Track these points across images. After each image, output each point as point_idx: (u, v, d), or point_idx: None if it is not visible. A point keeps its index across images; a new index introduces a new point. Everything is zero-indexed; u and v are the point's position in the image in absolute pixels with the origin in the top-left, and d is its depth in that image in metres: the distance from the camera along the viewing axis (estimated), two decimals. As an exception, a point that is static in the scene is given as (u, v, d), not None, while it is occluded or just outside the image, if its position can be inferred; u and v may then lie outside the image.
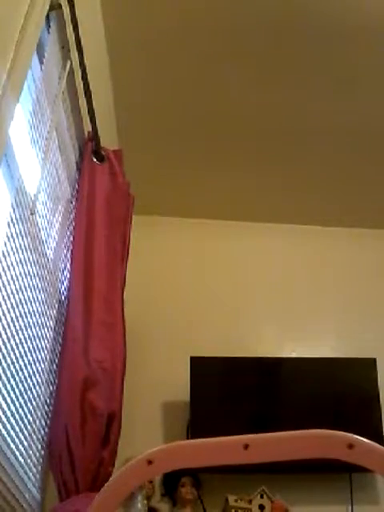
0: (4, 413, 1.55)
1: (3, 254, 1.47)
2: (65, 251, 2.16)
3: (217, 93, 2.58)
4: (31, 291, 1.73)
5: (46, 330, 1.93)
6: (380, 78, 2.53)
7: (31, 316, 1.74)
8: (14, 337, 1.58)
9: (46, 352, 1.93)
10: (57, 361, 2.02)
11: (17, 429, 1.66)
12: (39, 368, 1.86)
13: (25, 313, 1.68)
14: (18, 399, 1.65)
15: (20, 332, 1.64)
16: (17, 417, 1.65)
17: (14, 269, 1.55)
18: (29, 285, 1.71)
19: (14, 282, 1.55)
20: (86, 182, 2.17)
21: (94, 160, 2.23)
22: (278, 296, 3.07)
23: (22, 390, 1.69)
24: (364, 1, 2.21)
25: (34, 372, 1.80)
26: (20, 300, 1.62)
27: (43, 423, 1.93)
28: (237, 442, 0.79)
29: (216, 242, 3.21)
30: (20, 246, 1.61)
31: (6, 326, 1.51)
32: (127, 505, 2.21)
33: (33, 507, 1.85)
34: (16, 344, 1.61)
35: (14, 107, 1.35)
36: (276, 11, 2.24)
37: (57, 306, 2.06)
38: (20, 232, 1.61)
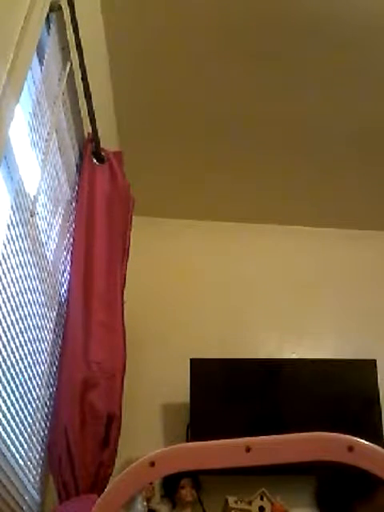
0: (4, 415, 1.54)
1: (3, 256, 1.46)
2: (65, 253, 2.15)
3: (217, 94, 2.58)
4: (31, 294, 1.73)
5: (45, 332, 1.93)
6: (380, 81, 2.52)
7: (31, 318, 1.74)
8: (13, 339, 1.58)
9: (45, 354, 1.93)
10: (56, 363, 2.02)
11: (17, 431, 1.65)
12: (39, 370, 1.86)
13: (24, 315, 1.67)
14: (17, 402, 1.65)
15: (20, 334, 1.63)
16: (17, 419, 1.65)
17: (13, 271, 1.55)
18: (29, 287, 1.70)
19: (13, 285, 1.55)
20: (86, 183, 2.17)
21: (94, 161, 2.23)
22: (278, 297, 3.06)
23: (22, 392, 1.69)
24: (365, 1, 2.21)
25: (33, 374, 1.79)
26: (20, 302, 1.62)
27: (43, 425, 1.93)
28: (239, 444, 0.78)
29: (216, 243, 3.21)
30: (20, 248, 1.60)
31: (6, 329, 1.51)
32: (127, 506, 2.21)
33: (32, 509, 1.85)
34: (16, 346, 1.60)
35: (13, 108, 1.35)
36: (277, 12, 2.24)
37: (57, 308, 2.06)
38: (20, 234, 1.60)
